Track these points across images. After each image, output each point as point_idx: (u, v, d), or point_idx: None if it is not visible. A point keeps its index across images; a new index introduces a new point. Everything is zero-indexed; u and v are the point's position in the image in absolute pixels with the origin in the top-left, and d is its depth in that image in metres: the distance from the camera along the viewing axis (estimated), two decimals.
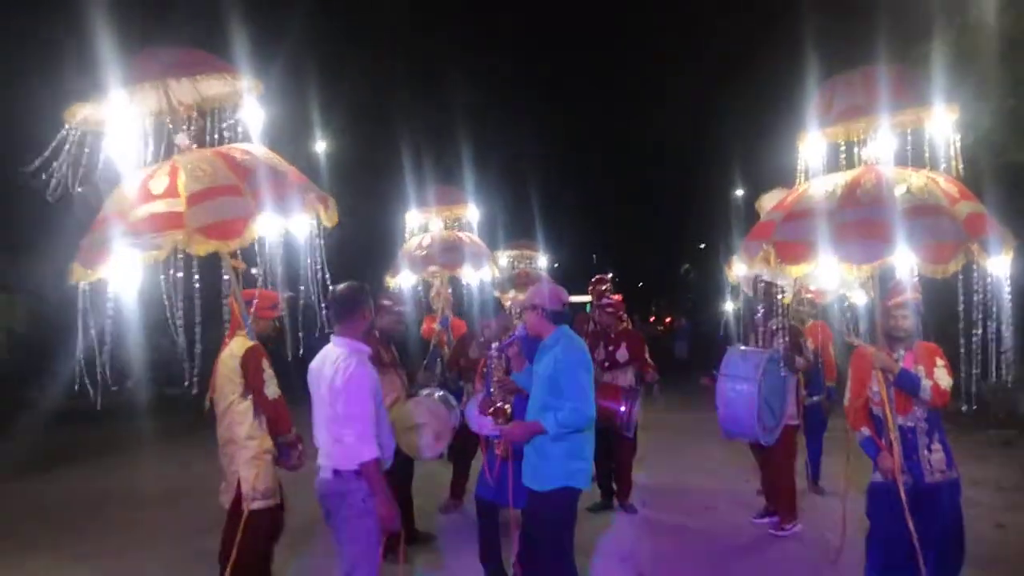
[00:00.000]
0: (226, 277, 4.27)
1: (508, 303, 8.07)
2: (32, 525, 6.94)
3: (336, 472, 3.65)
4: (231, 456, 4.23)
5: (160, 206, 3.92)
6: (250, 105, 4.49)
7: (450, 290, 8.11)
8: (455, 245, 7.69)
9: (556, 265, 24.04)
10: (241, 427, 4.20)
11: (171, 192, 3.96)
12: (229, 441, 4.25)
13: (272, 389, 4.17)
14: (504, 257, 10.73)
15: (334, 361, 3.66)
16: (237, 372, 4.17)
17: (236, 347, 4.24)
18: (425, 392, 5.73)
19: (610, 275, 8.10)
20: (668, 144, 31.85)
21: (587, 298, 7.93)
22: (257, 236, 4.02)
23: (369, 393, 3.62)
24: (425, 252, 7.65)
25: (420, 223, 8.12)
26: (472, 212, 8.09)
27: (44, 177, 4.11)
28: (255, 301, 4.40)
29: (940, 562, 4.17)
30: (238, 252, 4.20)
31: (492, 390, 4.41)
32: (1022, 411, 11.45)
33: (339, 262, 4.59)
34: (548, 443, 3.87)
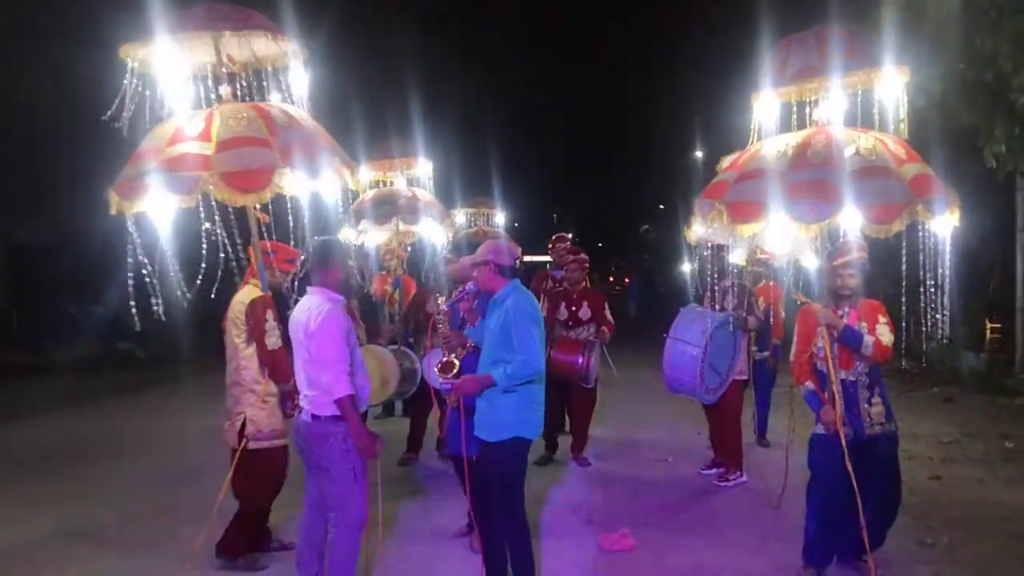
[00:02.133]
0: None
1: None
2: None
3: (315, 417, 3.83)
4: (236, 397, 4.50)
5: (192, 147, 4.18)
6: (296, 68, 4.74)
7: (407, 248, 8.09)
8: (388, 199, 7.63)
9: (516, 224, 24.05)
10: (248, 371, 4.47)
11: (204, 136, 4.23)
12: (235, 383, 4.51)
13: (273, 339, 4.39)
14: (462, 214, 10.71)
15: (309, 309, 3.84)
16: (242, 319, 4.44)
17: (245, 294, 4.52)
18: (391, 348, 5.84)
19: (570, 235, 8.14)
20: (628, 106, 31.87)
21: (547, 258, 7.96)
22: (278, 191, 4.27)
23: (342, 336, 3.78)
24: (359, 206, 7.63)
25: (371, 178, 8.04)
26: (423, 167, 8.01)
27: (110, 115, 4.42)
28: (276, 253, 4.65)
29: (878, 510, 4.36)
30: (268, 205, 4.50)
31: (440, 344, 4.51)
32: (964, 369, 11.88)
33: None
34: (499, 395, 3.93)
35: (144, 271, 4.29)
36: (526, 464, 4.12)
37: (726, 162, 7.19)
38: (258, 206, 4.52)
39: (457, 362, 4.21)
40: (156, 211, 4.20)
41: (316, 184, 4.39)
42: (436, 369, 4.23)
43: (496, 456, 4.00)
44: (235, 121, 4.25)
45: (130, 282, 4.32)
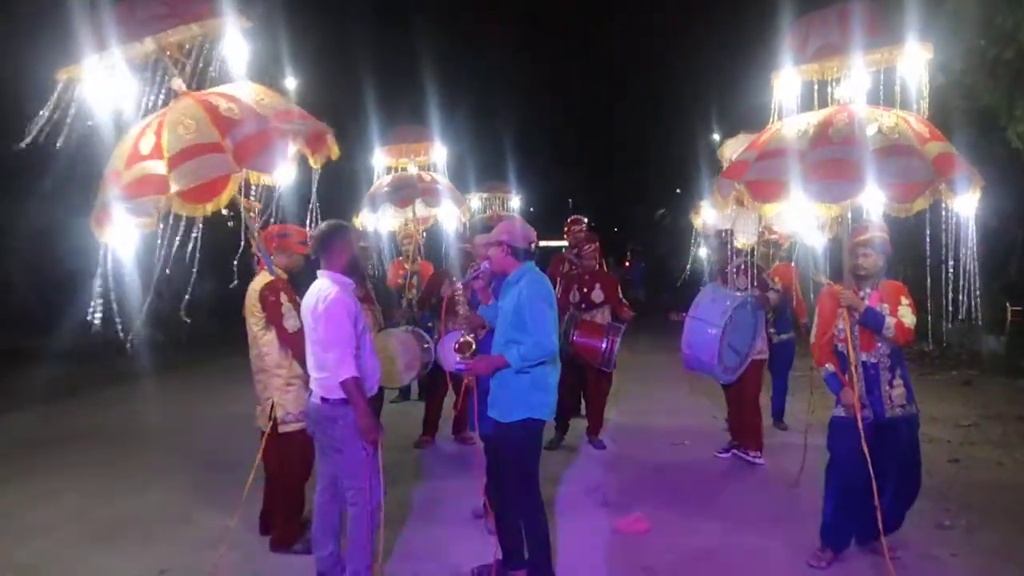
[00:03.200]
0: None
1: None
2: None
3: (324, 400, 3.88)
4: (263, 383, 4.56)
5: (147, 167, 4.06)
6: (234, 39, 4.52)
7: (424, 233, 8.11)
8: (409, 183, 7.63)
9: (531, 209, 23.97)
10: (270, 356, 4.52)
11: (156, 152, 4.08)
12: (260, 370, 4.57)
13: (292, 322, 4.40)
14: (477, 199, 10.71)
15: (317, 292, 3.88)
16: (257, 306, 4.48)
17: (258, 281, 4.56)
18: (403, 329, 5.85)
19: (585, 220, 8.12)
20: (645, 89, 31.57)
21: (563, 242, 7.95)
22: (236, 193, 4.13)
23: (348, 318, 3.81)
24: (378, 191, 7.64)
25: (386, 164, 8.07)
26: (438, 152, 8.01)
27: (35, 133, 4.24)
28: (289, 236, 4.67)
29: (896, 493, 4.34)
30: (252, 192, 4.43)
31: (459, 325, 4.55)
32: (984, 352, 11.78)
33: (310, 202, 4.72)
34: (512, 376, 3.95)
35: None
36: (540, 445, 4.14)
37: (728, 146, 7.16)
38: (250, 193, 4.44)
39: (474, 343, 4.21)
40: (122, 239, 4.07)
41: (278, 175, 4.26)
42: (454, 348, 4.24)
43: (509, 436, 4.02)
44: (183, 128, 4.07)
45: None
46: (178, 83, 4.43)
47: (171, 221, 4.13)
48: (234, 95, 4.33)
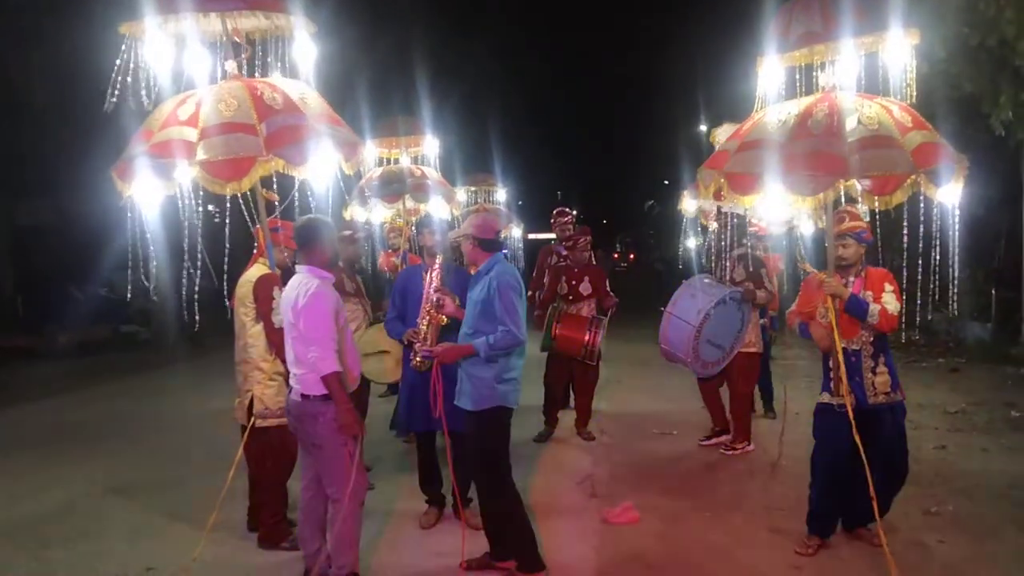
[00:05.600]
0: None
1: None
2: None
3: (304, 396, 3.84)
4: (245, 375, 4.55)
5: (179, 132, 4.13)
6: (302, 41, 4.64)
7: (413, 226, 8.07)
8: (398, 177, 7.61)
9: (520, 202, 23.95)
10: (255, 348, 4.52)
11: (192, 121, 4.15)
12: (243, 361, 4.56)
13: (279, 318, 4.33)
14: (463, 191, 10.68)
15: (297, 287, 3.85)
16: (250, 297, 4.47)
17: (252, 273, 4.55)
18: None
19: (573, 212, 8.12)
20: (632, 80, 31.59)
21: (552, 235, 7.94)
22: (264, 175, 4.20)
23: (328, 313, 3.78)
24: (368, 183, 7.62)
25: (377, 156, 8.02)
26: (430, 144, 7.98)
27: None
28: (280, 231, 4.64)
29: (883, 480, 4.34)
30: (273, 183, 4.49)
31: (419, 317, 4.64)
32: (970, 340, 11.86)
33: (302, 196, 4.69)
34: (479, 365, 4.01)
35: (148, 252, 4.27)
36: (509, 433, 4.17)
37: (721, 133, 7.14)
38: (270, 184, 4.51)
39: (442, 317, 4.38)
40: (143, 196, 4.16)
41: (303, 170, 4.28)
42: (419, 325, 4.41)
43: (479, 425, 4.07)
44: (224, 105, 4.16)
45: (129, 264, 4.33)
46: (232, 65, 4.51)
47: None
48: (281, 87, 4.40)
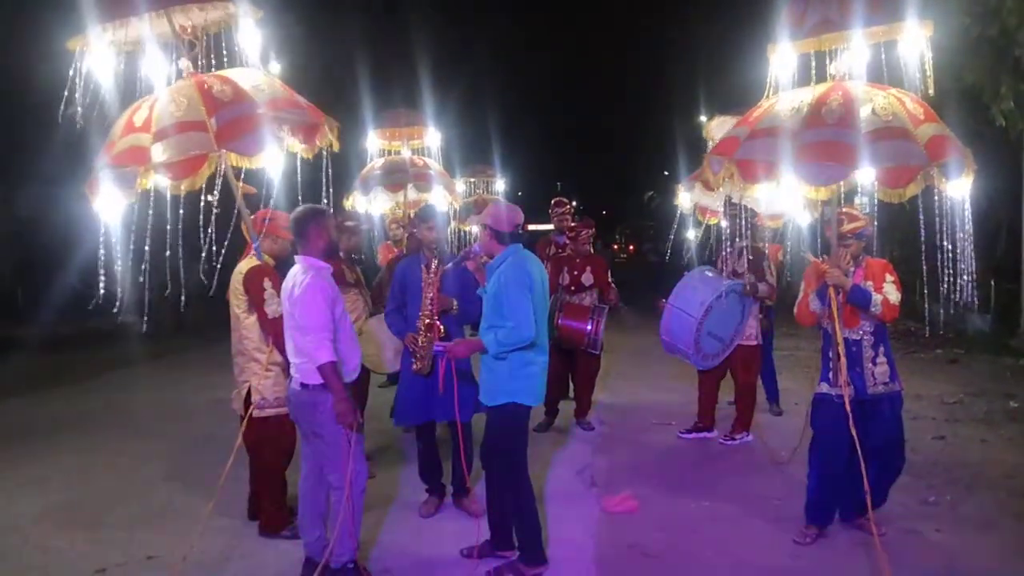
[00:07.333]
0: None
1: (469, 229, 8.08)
2: None
3: (303, 385, 3.86)
4: (241, 367, 4.57)
5: (137, 139, 4.17)
6: (247, 28, 4.61)
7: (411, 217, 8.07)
8: (401, 167, 7.61)
9: (520, 193, 23.93)
10: (250, 340, 4.52)
11: (146, 125, 4.19)
12: (239, 353, 4.58)
13: (273, 307, 4.38)
14: (462, 183, 10.68)
15: (294, 277, 3.87)
16: (241, 290, 4.48)
17: (243, 265, 4.55)
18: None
19: (572, 203, 8.11)
20: (632, 72, 31.50)
21: (551, 226, 7.94)
22: (215, 171, 4.18)
23: (325, 303, 3.78)
24: (370, 174, 7.62)
25: (379, 147, 8.03)
26: (432, 136, 7.98)
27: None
28: (269, 221, 4.60)
29: (881, 469, 4.36)
30: (242, 175, 4.42)
31: (422, 309, 4.62)
32: (970, 331, 11.86)
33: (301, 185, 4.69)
34: (494, 361, 3.99)
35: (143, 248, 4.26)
36: (526, 430, 4.14)
37: (715, 126, 7.12)
38: (242, 177, 4.45)
39: (441, 327, 4.33)
40: (108, 208, 4.17)
41: (259, 160, 4.28)
42: (419, 327, 4.37)
43: (496, 419, 4.06)
44: (175, 106, 4.17)
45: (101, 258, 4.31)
46: (186, 63, 4.49)
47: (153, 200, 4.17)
48: (231, 78, 4.37)
